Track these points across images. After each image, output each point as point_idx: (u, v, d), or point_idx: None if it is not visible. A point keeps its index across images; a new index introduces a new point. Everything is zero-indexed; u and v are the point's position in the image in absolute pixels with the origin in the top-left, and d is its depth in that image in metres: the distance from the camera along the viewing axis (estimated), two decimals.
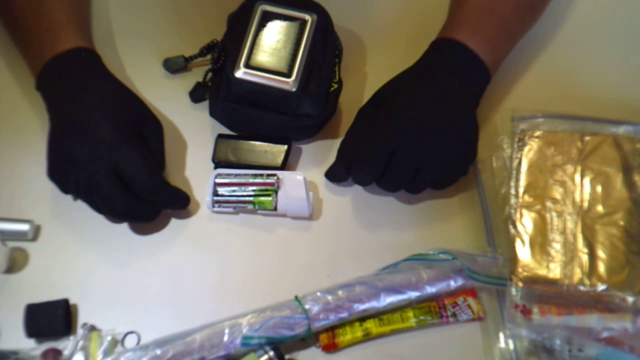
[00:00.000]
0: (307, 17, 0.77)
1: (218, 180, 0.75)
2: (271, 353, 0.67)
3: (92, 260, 0.74)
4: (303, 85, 0.75)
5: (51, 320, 0.69)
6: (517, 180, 0.72)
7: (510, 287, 0.68)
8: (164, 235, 0.76)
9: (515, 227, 0.70)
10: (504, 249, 0.72)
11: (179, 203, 0.75)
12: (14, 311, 0.70)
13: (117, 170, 0.70)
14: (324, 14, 0.78)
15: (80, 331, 0.70)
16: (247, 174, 0.75)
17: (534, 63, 0.85)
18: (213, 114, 0.80)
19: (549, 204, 0.71)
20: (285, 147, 0.77)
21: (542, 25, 0.85)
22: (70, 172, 0.71)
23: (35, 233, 0.75)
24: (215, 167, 0.78)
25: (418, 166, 0.72)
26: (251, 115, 0.77)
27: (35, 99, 0.77)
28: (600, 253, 0.68)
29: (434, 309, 0.71)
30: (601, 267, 0.67)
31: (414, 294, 0.70)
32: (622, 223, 0.69)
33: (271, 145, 0.77)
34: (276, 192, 0.74)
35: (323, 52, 0.77)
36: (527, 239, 0.70)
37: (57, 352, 0.68)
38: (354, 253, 0.75)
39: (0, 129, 0.81)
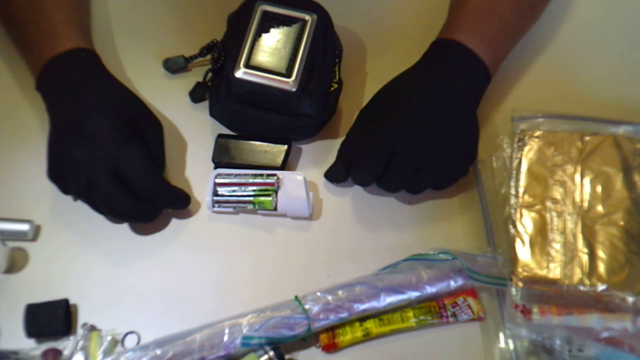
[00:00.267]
0: (307, 17, 0.77)
1: (218, 180, 0.75)
2: (271, 353, 0.67)
3: (92, 260, 0.74)
4: (303, 85, 0.75)
5: (51, 320, 0.69)
6: (517, 180, 0.72)
7: (510, 287, 0.68)
8: (164, 235, 0.76)
9: (515, 227, 0.70)
10: (504, 249, 0.72)
11: (179, 203, 0.75)
12: (14, 311, 0.70)
13: (117, 170, 0.70)
14: (324, 14, 0.78)
15: (80, 331, 0.70)
16: (247, 174, 0.75)
17: (534, 63, 0.85)
18: (213, 114, 0.80)
19: (549, 204, 0.71)
20: (285, 147, 0.77)
21: (542, 25, 0.85)
22: (70, 172, 0.71)
23: (35, 233, 0.75)
24: (215, 167, 0.78)
25: (418, 166, 0.72)
26: (251, 115, 0.77)
27: (35, 99, 0.77)
28: (600, 253, 0.68)
29: (434, 309, 0.71)
30: (601, 267, 0.67)
31: (414, 294, 0.70)
32: (622, 223, 0.69)
33: (271, 145, 0.77)
34: (276, 192, 0.74)
35: (323, 52, 0.77)
36: (527, 239, 0.70)
37: (57, 352, 0.68)
38: (353, 253, 0.75)
39: (0, 129, 0.81)
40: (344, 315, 0.69)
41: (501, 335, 0.70)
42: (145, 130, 0.75)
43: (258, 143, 0.78)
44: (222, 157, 0.78)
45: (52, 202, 0.77)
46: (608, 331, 0.65)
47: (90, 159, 0.70)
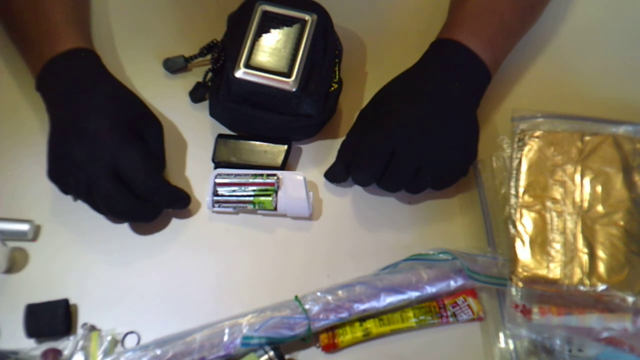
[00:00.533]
0: (307, 17, 0.77)
1: (218, 180, 0.75)
2: (271, 353, 0.67)
3: (92, 260, 0.74)
4: (303, 85, 0.75)
5: (51, 320, 0.69)
6: (517, 180, 0.72)
7: (510, 287, 0.68)
8: (164, 235, 0.76)
9: (515, 227, 0.70)
10: (504, 249, 0.72)
11: (179, 203, 0.75)
12: (14, 311, 0.70)
13: (117, 170, 0.70)
14: (324, 14, 0.78)
15: (80, 331, 0.70)
16: (247, 174, 0.75)
17: (534, 63, 0.85)
18: (213, 114, 0.80)
19: (549, 204, 0.71)
20: (285, 147, 0.77)
21: (542, 25, 0.85)
22: (70, 172, 0.71)
23: (35, 233, 0.75)
24: (215, 167, 0.78)
25: (418, 166, 0.72)
26: (251, 115, 0.77)
27: (35, 99, 0.77)
28: (600, 253, 0.68)
29: (434, 309, 0.71)
30: (601, 267, 0.67)
31: (414, 294, 0.70)
32: (622, 223, 0.69)
33: (271, 145, 0.77)
34: (276, 192, 0.74)
35: (323, 52, 0.77)
36: (527, 239, 0.70)
37: (57, 352, 0.68)
38: (354, 253, 0.75)
39: (1, 129, 0.81)
40: (344, 315, 0.69)
41: (501, 335, 0.70)
42: (145, 130, 0.75)
43: (258, 143, 0.78)
44: (222, 157, 0.78)
45: (52, 202, 0.77)
46: (608, 331, 0.65)
47: (90, 159, 0.70)
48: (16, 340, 0.70)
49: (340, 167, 0.76)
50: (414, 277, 0.71)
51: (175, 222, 0.77)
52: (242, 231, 0.76)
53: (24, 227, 0.74)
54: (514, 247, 0.69)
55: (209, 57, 0.80)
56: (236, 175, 0.76)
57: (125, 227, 0.76)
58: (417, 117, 0.73)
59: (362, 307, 0.69)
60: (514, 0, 0.78)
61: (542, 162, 0.73)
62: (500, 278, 0.70)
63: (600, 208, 0.70)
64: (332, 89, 0.79)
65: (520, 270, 0.68)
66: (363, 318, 0.70)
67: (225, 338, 0.67)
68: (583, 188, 0.71)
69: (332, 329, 0.70)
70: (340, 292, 0.70)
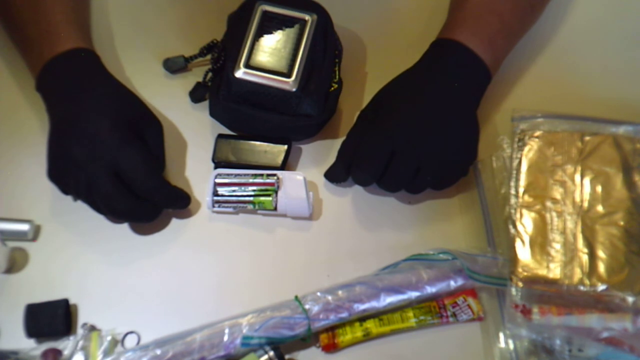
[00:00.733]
0: (307, 17, 0.77)
1: (218, 180, 0.75)
2: (271, 353, 0.67)
3: (92, 260, 0.74)
4: (303, 85, 0.75)
5: (51, 320, 0.69)
6: (517, 180, 0.72)
7: (510, 287, 0.68)
8: (164, 235, 0.76)
9: (515, 227, 0.70)
10: (504, 249, 0.72)
11: (179, 203, 0.75)
12: (14, 311, 0.70)
13: (117, 170, 0.70)
14: (324, 14, 0.78)
15: (80, 331, 0.70)
16: (247, 174, 0.75)
17: (534, 63, 0.85)
18: (213, 114, 0.80)
19: (549, 204, 0.71)
20: (285, 147, 0.77)
21: (542, 25, 0.85)
22: (70, 173, 0.71)
23: (35, 233, 0.75)
24: (215, 167, 0.78)
25: (418, 166, 0.71)
26: (251, 115, 0.77)
27: (35, 99, 0.77)
28: (600, 253, 0.68)
29: (434, 309, 0.71)
30: (601, 267, 0.67)
31: (414, 294, 0.70)
32: (622, 223, 0.69)
33: (271, 145, 0.77)
34: (276, 192, 0.74)
35: (323, 52, 0.77)
36: (527, 239, 0.70)
37: (57, 352, 0.68)
38: (354, 253, 0.75)
39: (1, 129, 0.81)
40: (344, 315, 0.69)
41: (501, 335, 0.70)
42: (145, 130, 0.75)
43: (258, 143, 0.78)
44: (222, 157, 0.78)
45: (52, 202, 0.77)
46: (608, 331, 0.65)
47: (90, 159, 0.70)
48: (16, 340, 0.70)
49: (340, 167, 0.76)
50: (414, 277, 0.71)
51: (175, 222, 0.77)
52: (242, 231, 0.76)
53: (24, 227, 0.74)
54: (514, 247, 0.69)
55: (209, 57, 0.80)
56: (236, 175, 0.76)
57: (125, 227, 0.76)
58: (417, 117, 0.73)
59: (362, 307, 0.69)
60: (514, 0, 0.78)
61: (542, 162, 0.73)
62: (500, 278, 0.70)
63: (600, 208, 0.70)
64: (332, 89, 0.79)
65: (520, 270, 0.68)
66: (363, 318, 0.70)
67: (225, 338, 0.67)
68: (583, 188, 0.71)
69: (332, 329, 0.70)
70: (340, 292, 0.70)
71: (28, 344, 0.70)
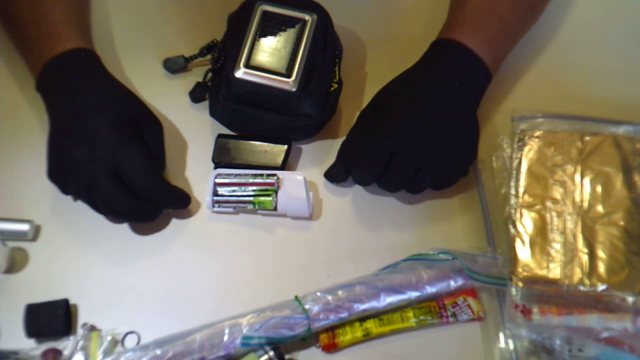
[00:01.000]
0: (307, 17, 0.77)
1: (218, 180, 0.75)
2: (271, 353, 0.67)
3: (92, 260, 0.74)
4: (303, 85, 0.75)
5: (51, 320, 0.69)
6: (517, 180, 0.72)
7: (510, 287, 0.68)
8: (164, 235, 0.76)
9: (515, 227, 0.70)
10: (504, 249, 0.72)
11: (179, 203, 0.75)
12: (14, 311, 0.70)
13: (117, 170, 0.70)
14: (324, 14, 0.78)
15: (80, 331, 0.70)
16: (247, 174, 0.75)
17: (534, 63, 0.85)
18: (213, 114, 0.80)
19: (549, 204, 0.71)
20: (285, 147, 0.77)
21: (542, 25, 0.85)
22: (70, 173, 0.71)
23: (35, 233, 0.75)
24: (215, 167, 0.78)
25: (418, 166, 0.71)
26: (251, 115, 0.77)
27: (35, 99, 0.77)
28: (600, 253, 0.68)
29: (434, 309, 0.71)
30: (601, 267, 0.67)
31: (414, 294, 0.70)
32: (622, 223, 0.69)
33: (271, 145, 0.77)
34: (276, 192, 0.74)
35: (323, 52, 0.77)
36: (527, 239, 0.70)
37: (57, 352, 0.68)
38: (354, 253, 0.75)
39: (1, 130, 0.81)
40: (344, 315, 0.69)
41: (501, 335, 0.70)
42: (145, 130, 0.75)
43: (258, 143, 0.78)
44: (222, 157, 0.78)
45: (52, 202, 0.77)
46: (608, 331, 0.65)
47: (90, 159, 0.70)
48: (16, 340, 0.70)
49: (340, 167, 0.76)
50: (414, 277, 0.71)
51: (175, 222, 0.77)
52: (242, 231, 0.76)
53: (24, 227, 0.74)
54: (514, 247, 0.69)
55: (209, 57, 0.80)
56: (236, 175, 0.76)
57: (125, 227, 0.76)
58: (417, 117, 0.73)
59: (362, 307, 0.69)
60: (514, 0, 0.78)
61: (542, 162, 0.73)
62: (500, 278, 0.70)
63: (600, 208, 0.70)
64: (332, 89, 0.79)
65: (520, 270, 0.68)
66: (363, 318, 0.70)
67: (225, 338, 0.67)
68: (583, 188, 0.71)
69: (332, 329, 0.70)
70: (340, 292, 0.70)
71: (28, 344, 0.70)
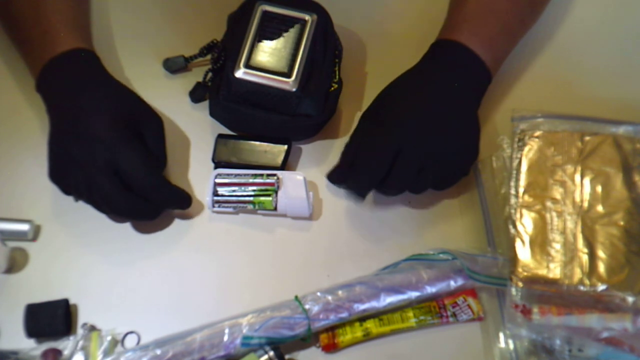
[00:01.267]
0: (307, 17, 0.77)
1: (218, 180, 0.75)
2: (271, 353, 0.67)
3: (92, 260, 0.74)
4: (303, 85, 0.75)
5: (51, 320, 0.69)
6: (517, 180, 0.72)
7: (510, 287, 0.68)
8: (164, 235, 0.76)
9: (515, 227, 0.70)
10: (504, 249, 0.72)
11: (179, 203, 0.75)
12: (14, 311, 0.70)
13: (116, 169, 0.70)
14: (324, 14, 0.78)
15: (80, 331, 0.70)
16: (247, 174, 0.75)
17: (534, 63, 0.85)
18: (213, 114, 0.80)
19: (549, 204, 0.71)
20: (285, 147, 0.77)
21: (542, 25, 0.85)
22: (70, 173, 0.71)
23: (35, 233, 0.75)
24: (215, 167, 0.78)
25: (420, 167, 0.71)
26: (251, 115, 0.77)
27: (35, 99, 0.77)
28: (600, 253, 0.68)
29: (434, 309, 0.71)
30: (601, 267, 0.67)
31: (414, 294, 0.70)
32: (622, 223, 0.69)
33: (271, 145, 0.77)
34: (276, 192, 0.74)
35: (323, 52, 0.77)
36: (527, 239, 0.70)
37: (57, 352, 0.68)
38: (354, 253, 0.75)
39: (1, 130, 0.81)
40: (344, 315, 0.69)
41: (501, 335, 0.70)
42: (145, 128, 0.75)
43: (258, 143, 0.78)
44: (222, 157, 0.78)
45: (52, 202, 0.77)
46: (608, 331, 0.65)
47: (89, 159, 0.70)
48: (16, 340, 0.70)
49: (343, 168, 0.75)
50: (414, 277, 0.71)
51: (175, 222, 0.77)
52: (242, 231, 0.76)
53: (24, 227, 0.74)
54: (514, 247, 0.69)
55: (209, 57, 0.80)
56: (236, 175, 0.76)
57: (125, 227, 0.76)
58: (418, 118, 0.73)
59: (362, 307, 0.69)
60: (514, 0, 0.78)
61: (542, 162, 0.73)
62: (500, 278, 0.70)
63: (600, 208, 0.70)
64: (332, 89, 0.79)
65: (520, 270, 0.68)
66: (363, 318, 0.70)
67: (225, 338, 0.67)
68: (583, 188, 0.71)
69: (332, 329, 0.70)
70: (340, 292, 0.70)
71: (28, 344, 0.70)
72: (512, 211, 0.71)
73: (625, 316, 0.65)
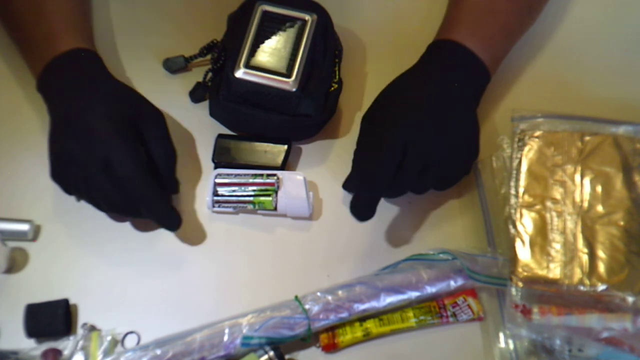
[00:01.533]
0: (307, 17, 0.77)
1: (218, 180, 0.75)
2: (271, 353, 0.67)
3: (92, 260, 0.74)
4: (303, 85, 0.75)
5: (51, 320, 0.69)
6: (517, 180, 0.72)
7: (510, 287, 0.68)
8: (163, 235, 0.76)
9: (515, 227, 0.70)
10: (504, 249, 0.72)
11: (166, 220, 0.71)
12: (14, 311, 0.70)
13: (109, 166, 0.69)
14: (324, 14, 0.78)
15: (80, 331, 0.70)
16: (247, 174, 0.75)
17: (533, 63, 0.85)
18: (213, 114, 0.80)
19: (549, 204, 0.71)
20: (285, 147, 0.77)
21: (541, 25, 0.85)
22: (70, 172, 0.71)
23: (35, 233, 0.75)
24: (215, 167, 0.78)
25: (422, 168, 0.71)
26: (251, 115, 0.77)
27: (35, 99, 0.77)
28: (600, 253, 0.68)
29: (434, 309, 0.71)
30: (601, 267, 0.67)
31: (414, 294, 0.70)
32: (622, 223, 0.69)
33: (271, 145, 0.77)
34: (276, 192, 0.74)
35: (323, 52, 0.77)
36: (527, 239, 0.70)
37: (57, 352, 0.68)
38: (354, 253, 0.75)
39: (1, 129, 0.81)
40: (344, 315, 0.69)
41: (501, 335, 0.70)
42: (148, 127, 0.74)
43: (258, 143, 0.78)
44: (222, 157, 0.78)
45: (52, 202, 0.77)
46: (608, 331, 0.65)
47: (88, 157, 0.70)
48: (16, 340, 0.70)
49: (358, 176, 0.75)
50: (414, 277, 0.71)
51: None
52: (242, 231, 0.76)
53: (24, 227, 0.74)
54: (514, 247, 0.69)
55: (209, 57, 0.80)
56: (236, 175, 0.76)
57: (125, 228, 0.76)
58: (418, 119, 0.72)
59: (362, 307, 0.69)
60: (512, 0, 0.78)
61: (542, 162, 0.73)
62: (500, 278, 0.70)
63: (600, 208, 0.70)
64: (332, 89, 0.79)
65: (520, 270, 0.68)
66: (363, 318, 0.70)
67: (225, 338, 0.67)
68: (583, 188, 0.71)
69: (332, 329, 0.70)
70: (340, 292, 0.70)
71: (28, 344, 0.70)
72: (512, 211, 0.71)
73: (625, 316, 0.65)
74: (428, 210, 0.77)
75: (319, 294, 0.70)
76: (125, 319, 0.71)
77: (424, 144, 0.71)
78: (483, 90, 0.77)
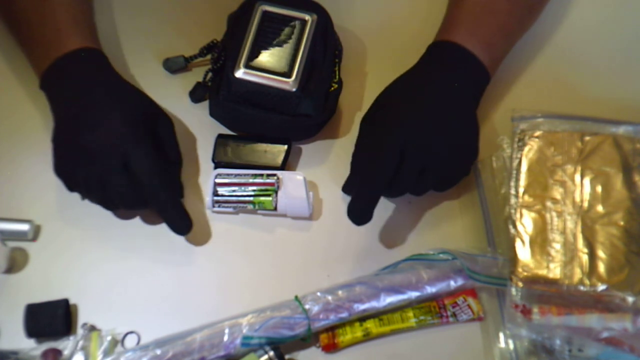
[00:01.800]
0: (307, 17, 0.77)
1: (218, 180, 0.75)
2: (271, 353, 0.67)
3: (92, 260, 0.74)
4: (303, 85, 0.75)
5: (51, 320, 0.69)
6: (517, 180, 0.72)
7: (510, 287, 0.68)
8: (164, 235, 0.75)
9: (515, 227, 0.70)
10: (504, 249, 0.72)
11: (177, 221, 0.72)
12: (14, 311, 0.70)
13: (128, 163, 0.70)
14: (324, 14, 0.78)
15: (80, 331, 0.70)
16: (247, 174, 0.75)
17: (533, 63, 0.85)
18: (213, 114, 0.80)
19: (549, 204, 0.71)
20: (285, 147, 0.77)
21: (541, 25, 0.85)
22: (78, 167, 0.71)
23: (35, 233, 0.75)
24: (215, 167, 0.78)
25: (422, 168, 0.71)
26: (251, 115, 0.77)
27: (36, 98, 0.77)
28: (600, 253, 0.68)
29: (434, 309, 0.71)
30: (601, 267, 0.67)
31: (414, 294, 0.70)
32: (622, 223, 0.69)
33: (271, 145, 0.77)
34: (276, 192, 0.74)
35: (323, 52, 0.77)
36: (527, 239, 0.70)
37: (57, 352, 0.68)
38: (354, 253, 0.75)
39: (1, 129, 0.81)
40: (344, 315, 0.69)
41: (501, 335, 0.70)
42: (159, 129, 0.75)
43: (258, 143, 0.78)
44: (222, 157, 0.78)
45: (53, 202, 0.77)
46: (608, 331, 0.65)
47: (104, 154, 0.69)
48: (16, 340, 0.70)
49: (356, 179, 0.75)
50: (414, 277, 0.71)
51: None
52: (242, 231, 0.76)
53: (24, 227, 0.74)
54: (514, 247, 0.69)
55: (209, 57, 0.80)
56: (236, 175, 0.76)
57: (125, 228, 0.76)
58: (418, 119, 0.72)
59: (362, 307, 0.69)
60: (512, 1, 0.78)
61: (542, 162, 0.73)
62: (500, 278, 0.70)
63: (600, 208, 0.70)
64: (332, 89, 0.79)
65: (520, 270, 0.68)
66: (363, 318, 0.70)
67: (225, 338, 0.67)
68: (583, 188, 0.71)
69: (332, 329, 0.70)
70: (340, 292, 0.70)
71: (28, 344, 0.70)
72: (512, 211, 0.71)
73: (625, 316, 0.65)
74: (428, 210, 0.77)
75: (319, 294, 0.70)
76: (125, 319, 0.71)
77: (423, 144, 0.71)
78: (483, 91, 0.77)
